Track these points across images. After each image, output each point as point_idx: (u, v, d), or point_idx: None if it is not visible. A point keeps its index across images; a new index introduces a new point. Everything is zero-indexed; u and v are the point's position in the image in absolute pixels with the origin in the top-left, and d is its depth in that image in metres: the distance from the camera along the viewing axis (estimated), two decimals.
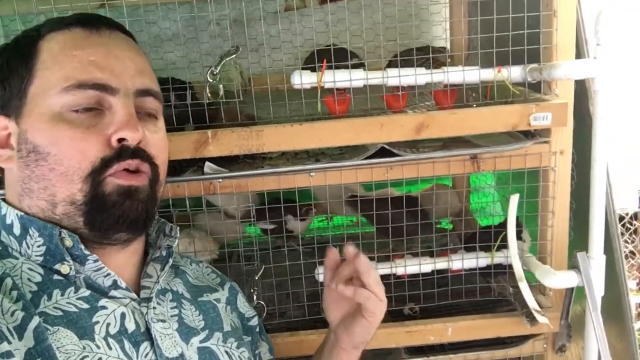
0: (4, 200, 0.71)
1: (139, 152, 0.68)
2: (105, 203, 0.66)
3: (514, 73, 1.03)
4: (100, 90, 0.67)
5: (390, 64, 1.07)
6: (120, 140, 0.67)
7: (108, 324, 0.66)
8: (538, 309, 1.05)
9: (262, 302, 1.06)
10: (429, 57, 1.07)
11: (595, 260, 1.00)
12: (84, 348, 0.63)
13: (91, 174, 0.66)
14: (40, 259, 0.66)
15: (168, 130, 1.00)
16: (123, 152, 0.67)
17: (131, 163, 0.68)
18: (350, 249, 0.79)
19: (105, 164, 0.66)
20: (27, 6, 1.10)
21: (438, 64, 1.06)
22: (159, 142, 0.72)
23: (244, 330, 0.86)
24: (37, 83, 0.67)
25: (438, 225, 1.47)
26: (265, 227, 1.30)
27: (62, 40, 0.69)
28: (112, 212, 0.67)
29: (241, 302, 0.88)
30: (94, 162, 0.66)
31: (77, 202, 0.66)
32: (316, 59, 1.01)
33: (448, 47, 1.19)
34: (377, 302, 0.79)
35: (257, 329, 0.90)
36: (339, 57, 1.00)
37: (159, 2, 1.04)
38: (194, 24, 1.51)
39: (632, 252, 2.90)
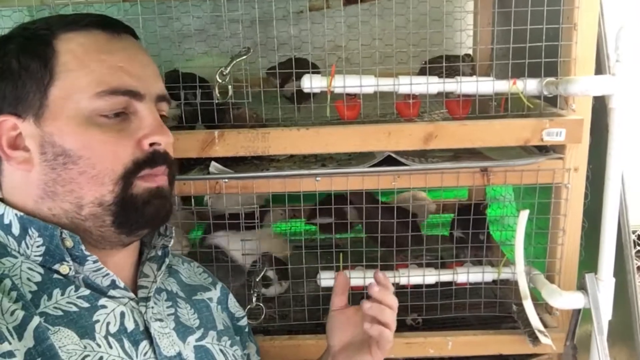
0: (2, 200, 0.71)
1: (167, 158, 0.71)
2: (135, 203, 0.68)
3: (530, 86, 1.00)
4: (130, 96, 0.68)
5: (423, 70, 1.06)
6: (152, 144, 0.69)
7: (108, 323, 0.66)
8: (542, 329, 1.02)
9: (262, 305, 1.06)
10: (458, 64, 1.05)
11: (604, 283, 0.97)
12: (85, 347, 0.63)
13: (123, 177, 0.67)
14: (40, 259, 0.67)
15: (178, 128, 1.02)
16: (156, 157, 0.69)
17: (160, 169, 0.70)
18: (381, 277, 0.81)
19: (137, 166, 0.68)
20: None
21: (464, 73, 1.05)
22: (171, 145, 0.75)
23: (234, 330, 0.87)
24: (60, 85, 0.66)
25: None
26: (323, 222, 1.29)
27: (85, 43, 0.68)
28: (144, 211, 0.69)
29: (232, 302, 0.89)
30: (126, 165, 0.67)
31: (106, 202, 0.67)
32: (277, 70, 1.04)
33: (473, 55, 1.17)
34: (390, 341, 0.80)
35: (246, 330, 0.90)
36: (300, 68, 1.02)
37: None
38: (217, 21, 1.52)
39: None
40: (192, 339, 0.75)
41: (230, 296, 0.89)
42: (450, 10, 1.29)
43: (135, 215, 0.68)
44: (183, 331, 0.75)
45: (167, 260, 0.78)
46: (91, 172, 0.66)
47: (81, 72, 0.67)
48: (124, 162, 0.67)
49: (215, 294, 0.85)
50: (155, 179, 0.70)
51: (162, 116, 0.74)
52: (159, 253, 0.78)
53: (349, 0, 1.49)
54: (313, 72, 1.01)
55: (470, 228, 1.10)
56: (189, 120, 1.02)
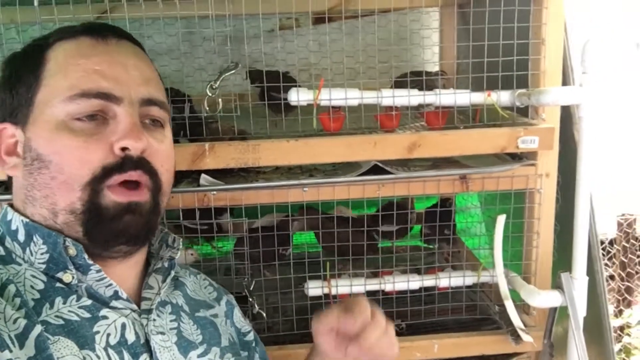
0: (11, 206, 0.71)
1: (141, 163, 0.68)
2: (103, 215, 0.66)
3: (502, 97, 1.06)
4: (104, 99, 0.67)
5: (396, 84, 1.10)
6: (124, 149, 0.67)
7: (108, 334, 0.66)
8: (523, 327, 1.07)
9: (262, 312, 1.06)
10: (433, 78, 1.11)
11: (578, 281, 1.03)
12: (84, 358, 0.62)
13: (91, 182, 0.65)
14: (43, 266, 0.66)
15: None
16: (126, 162, 0.67)
17: (133, 174, 0.67)
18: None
19: (106, 172, 0.66)
20: (31, 16, 1.11)
21: (434, 87, 1.10)
22: (164, 152, 0.72)
23: (241, 345, 0.86)
24: (43, 91, 0.68)
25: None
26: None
27: (69, 49, 0.69)
28: (111, 225, 0.67)
29: (237, 317, 0.88)
30: (95, 170, 0.65)
31: (77, 211, 0.66)
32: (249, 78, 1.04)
33: (439, 70, 1.23)
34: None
35: (254, 344, 0.89)
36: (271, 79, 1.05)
37: (161, 16, 1.05)
38: (190, 39, 1.54)
39: (610, 277, 2.96)
40: (194, 354, 0.74)
41: (236, 311, 0.88)
42: (416, 29, 1.36)
43: (102, 227, 0.66)
44: (185, 346, 0.74)
45: (172, 273, 0.77)
46: (61, 177, 0.65)
47: (59, 77, 0.67)
48: (92, 167, 0.65)
49: (220, 309, 0.85)
50: (128, 193, 0.67)
51: (155, 120, 0.73)
52: (165, 265, 0.77)
53: (318, 19, 1.55)
54: (289, 84, 1.04)
55: (437, 221, 1.13)
56: None
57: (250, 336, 0.89)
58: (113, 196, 0.66)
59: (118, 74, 0.68)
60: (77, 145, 0.65)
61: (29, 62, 0.69)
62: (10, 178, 0.73)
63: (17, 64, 0.71)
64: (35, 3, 0.96)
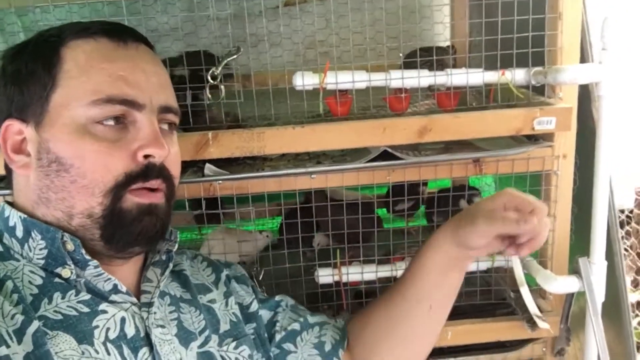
0: (9, 202, 0.71)
1: (162, 171, 0.69)
2: (124, 219, 0.67)
3: (517, 76, 1.01)
4: (127, 106, 0.67)
5: (405, 64, 1.06)
6: (146, 156, 0.67)
7: (108, 329, 0.66)
8: (539, 314, 1.05)
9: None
10: (444, 57, 1.06)
11: (596, 266, 1.00)
12: (83, 353, 0.63)
13: (113, 189, 0.66)
14: (42, 262, 0.66)
15: None
16: (149, 170, 0.68)
17: (154, 183, 0.68)
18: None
19: (130, 179, 0.66)
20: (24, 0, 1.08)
21: (444, 64, 1.05)
22: (175, 157, 0.74)
23: (245, 320, 0.85)
24: (61, 92, 0.67)
25: None
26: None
27: (89, 50, 0.68)
28: (132, 228, 0.68)
29: (235, 292, 0.87)
30: (118, 177, 0.66)
31: (95, 215, 0.66)
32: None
33: (450, 45, 1.18)
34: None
35: (259, 312, 0.88)
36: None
37: None
38: (193, 19, 1.50)
39: (626, 249, 2.91)
40: (194, 345, 0.75)
41: (233, 286, 0.87)
42: (427, 3, 1.31)
43: (122, 231, 0.67)
44: (185, 337, 0.74)
45: (170, 265, 0.77)
46: (82, 181, 0.65)
47: (81, 80, 0.67)
48: (115, 174, 0.66)
49: (218, 293, 0.84)
50: (148, 195, 0.68)
51: (171, 124, 0.73)
52: (163, 258, 0.77)
53: None
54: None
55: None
56: None
57: (254, 306, 0.88)
58: (136, 199, 0.67)
59: (140, 80, 0.69)
60: (101, 150, 0.66)
61: (42, 58, 0.68)
62: (9, 174, 0.72)
63: (27, 58, 0.69)
64: None
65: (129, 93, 0.67)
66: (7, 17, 1.38)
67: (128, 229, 0.67)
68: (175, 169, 0.73)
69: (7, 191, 0.77)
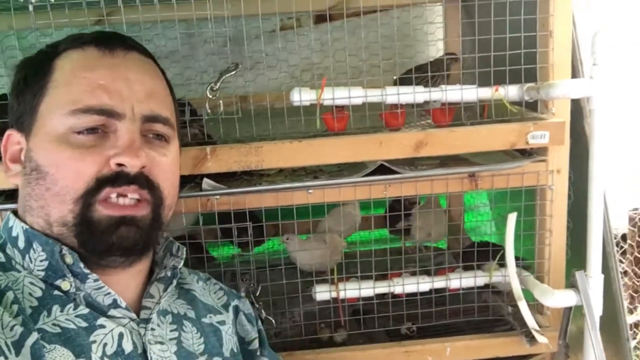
0: (15, 213, 0.71)
1: (138, 179, 0.67)
2: (94, 229, 0.66)
3: (510, 92, 1.03)
4: (106, 116, 0.66)
5: (400, 82, 1.08)
6: (120, 165, 0.66)
7: (105, 344, 0.65)
8: (537, 328, 1.04)
9: (270, 318, 1.04)
10: (436, 74, 1.08)
11: (593, 279, 0.99)
12: None
13: (83, 196, 0.65)
14: (42, 273, 0.66)
15: None
16: (120, 177, 0.66)
17: (127, 189, 0.66)
18: None
19: (100, 184, 0.65)
20: (25, 22, 1.10)
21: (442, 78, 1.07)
22: (166, 166, 0.71)
23: (244, 355, 0.84)
24: (47, 101, 0.68)
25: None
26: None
27: (75, 60, 0.69)
28: (104, 238, 0.66)
29: (241, 324, 0.86)
30: (89, 183, 0.65)
31: (68, 223, 0.66)
32: None
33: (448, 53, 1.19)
34: None
35: (258, 352, 0.87)
36: None
37: (159, 19, 1.03)
38: (191, 42, 1.52)
39: (623, 272, 2.91)
40: None
41: (241, 317, 0.86)
42: (420, 25, 1.34)
43: (95, 240, 0.66)
44: (185, 356, 0.73)
45: (174, 282, 0.76)
46: (54, 188, 0.65)
47: (63, 90, 0.67)
48: (86, 179, 0.65)
49: (227, 316, 0.83)
50: (121, 208, 0.66)
51: (159, 135, 0.72)
52: (169, 274, 0.76)
53: (319, 18, 1.52)
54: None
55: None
56: None
57: (255, 344, 0.87)
58: (105, 211, 0.66)
59: (121, 89, 0.68)
60: (74, 157, 0.65)
61: (37, 70, 0.70)
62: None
63: (26, 70, 0.71)
64: (30, 8, 0.94)
65: (107, 103, 0.66)
66: (6, 40, 1.40)
67: (100, 238, 0.66)
68: (164, 179, 0.70)
69: (8, 205, 0.78)
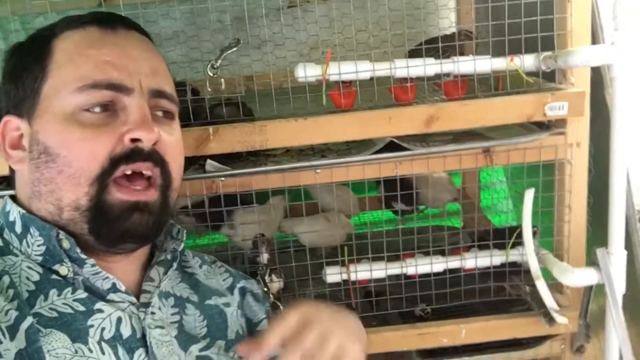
0: (12, 197, 0.70)
1: (152, 155, 0.66)
2: (108, 214, 0.64)
3: (527, 62, 0.98)
4: (114, 90, 0.65)
5: (411, 55, 1.03)
6: (134, 140, 0.65)
7: (103, 328, 0.64)
8: (556, 308, 1.00)
9: (278, 303, 1.02)
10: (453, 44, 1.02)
11: (615, 256, 0.95)
12: (76, 352, 0.61)
13: (99, 177, 0.64)
14: (40, 258, 0.65)
15: None
16: (135, 153, 0.65)
17: (142, 166, 0.65)
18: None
19: (114, 163, 0.64)
20: (22, 6, 1.07)
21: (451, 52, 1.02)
22: (174, 144, 0.70)
23: (251, 335, 0.83)
24: (50, 83, 0.66)
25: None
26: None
27: (77, 40, 0.68)
28: (118, 224, 0.65)
29: (248, 306, 0.84)
30: (103, 163, 0.64)
31: (82, 207, 0.64)
32: None
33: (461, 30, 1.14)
34: None
35: None
36: None
37: (157, 1, 1.00)
38: (195, 22, 1.48)
39: None
40: (195, 349, 0.71)
41: (247, 299, 0.84)
42: None
43: (108, 227, 0.65)
44: (186, 340, 0.71)
45: (174, 265, 0.75)
46: (68, 170, 0.64)
47: (68, 69, 0.66)
48: (101, 159, 0.64)
49: (233, 299, 0.81)
50: (134, 192, 0.65)
51: (165, 112, 0.71)
52: (169, 257, 0.75)
53: None
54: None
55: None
56: None
57: (263, 325, 0.85)
58: (118, 194, 0.64)
59: (127, 64, 0.67)
60: (86, 137, 0.64)
61: (35, 53, 0.68)
62: (13, 173, 0.72)
63: (22, 54, 0.69)
64: None
65: (116, 77, 0.65)
66: (9, 25, 1.38)
67: (114, 225, 0.65)
68: (172, 156, 0.70)
69: (7, 192, 0.76)
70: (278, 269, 1.06)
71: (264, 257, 1.04)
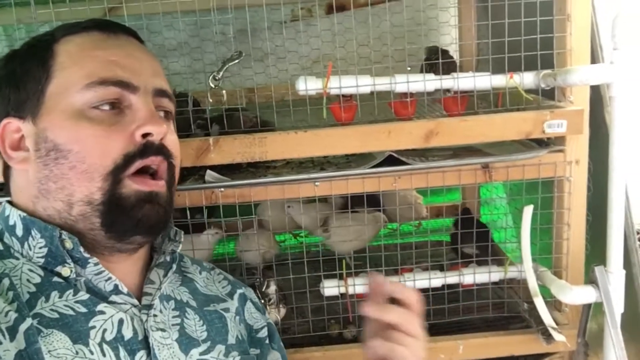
0: (10, 202, 0.71)
1: (162, 149, 0.69)
2: (123, 205, 0.66)
3: (526, 79, 0.99)
4: (121, 88, 0.67)
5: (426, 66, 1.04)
6: (145, 135, 0.67)
7: (104, 330, 0.65)
8: (554, 325, 1.00)
9: (277, 314, 1.01)
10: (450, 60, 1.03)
11: (614, 275, 0.95)
12: (77, 353, 0.62)
13: (112, 172, 0.65)
14: (42, 260, 0.66)
15: None
16: (147, 148, 0.67)
17: (154, 160, 0.68)
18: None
19: (128, 160, 0.66)
20: (28, 14, 1.09)
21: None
22: (175, 142, 0.73)
23: (252, 342, 0.83)
24: (56, 82, 0.67)
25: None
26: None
27: (81, 42, 0.70)
28: (132, 214, 0.66)
29: (249, 312, 0.85)
30: (116, 159, 0.65)
31: (95, 201, 0.65)
32: None
33: (457, 53, 1.15)
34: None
35: (267, 340, 0.86)
36: None
37: (161, 12, 1.01)
38: (199, 34, 1.50)
39: None
40: (195, 352, 0.72)
41: (248, 306, 0.85)
42: (433, 15, 1.29)
43: (122, 218, 0.66)
44: (187, 343, 0.72)
45: (174, 267, 0.76)
46: (81, 166, 0.65)
47: (75, 68, 0.67)
48: (114, 156, 0.65)
49: (232, 304, 0.82)
50: (148, 182, 0.67)
51: (166, 112, 0.73)
52: (167, 259, 0.76)
53: (330, 8, 1.49)
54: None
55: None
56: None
57: (264, 332, 0.85)
58: (135, 185, 0.66)
59: (133, 64, 0.69)
60: (98, 134, 0.65)
61: (36, 56, 0.69)
62: (7, 179, 0.72)
63: (21, 59, 0.70)
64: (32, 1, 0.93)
65: (122, 75, 0.67)
66: (15, 33, 1.40)
67: (128, 215, 0.66)
68: (175, 155, 0.72)
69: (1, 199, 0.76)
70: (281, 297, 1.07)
71: (272, 288, 1.05)
